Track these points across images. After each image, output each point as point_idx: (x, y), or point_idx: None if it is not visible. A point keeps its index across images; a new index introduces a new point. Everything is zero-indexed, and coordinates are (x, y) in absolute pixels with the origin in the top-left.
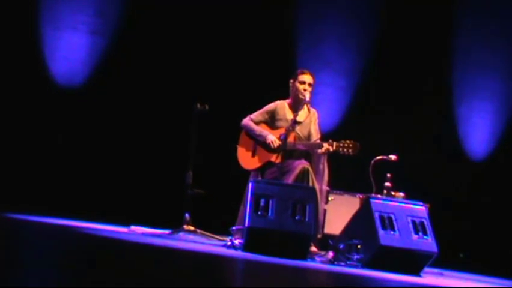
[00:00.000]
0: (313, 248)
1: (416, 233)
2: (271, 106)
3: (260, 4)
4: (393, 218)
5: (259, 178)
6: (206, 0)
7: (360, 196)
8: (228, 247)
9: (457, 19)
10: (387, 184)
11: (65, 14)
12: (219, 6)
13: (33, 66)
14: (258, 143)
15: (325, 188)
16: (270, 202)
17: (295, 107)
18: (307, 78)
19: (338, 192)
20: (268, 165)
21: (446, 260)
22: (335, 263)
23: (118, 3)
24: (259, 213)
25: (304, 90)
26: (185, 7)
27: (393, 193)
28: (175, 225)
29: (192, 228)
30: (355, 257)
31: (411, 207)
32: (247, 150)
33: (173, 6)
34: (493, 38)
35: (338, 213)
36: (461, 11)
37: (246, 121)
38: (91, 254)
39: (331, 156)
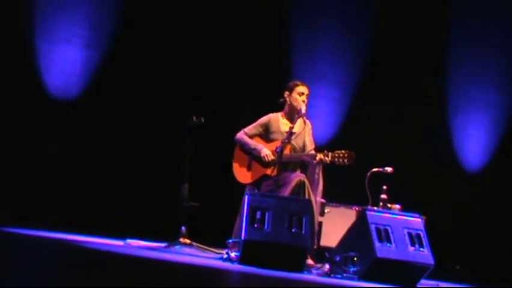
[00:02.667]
0: (310, 261)
1: (412, 245)
2: (264, 119)
3: (255, 17)
4: (390, 230)
5: (255, 191)
6: (200, 13)
7: (356, 208)
8: (224, 260)
9: (451, 30)
10: (383, 196)
11: (60, 28)
12: (214, 19)
13: (28, 80)
14: (253, 157)
15: (319, 199)
16: (266, 215)
17: (291, 119)
18: (305, 89)
19: (334, 204)
20: (264, 178)
21: (443, 272)
22: (332, 275)
23: (112, 17)
24: (255, 225)
25: (303, 101)
26: (180, 20)
27: (389, 205)
28: (171, 238)
29: (188, 241)
30: (351, 269)
31: (408, 219)
32: (243, 164)
33: (168, 20)
34: (488, 49)
35: (334, 225)
36: (456, 22)
37: (240, 135)
38: (87, 267)
39: (327, 168)
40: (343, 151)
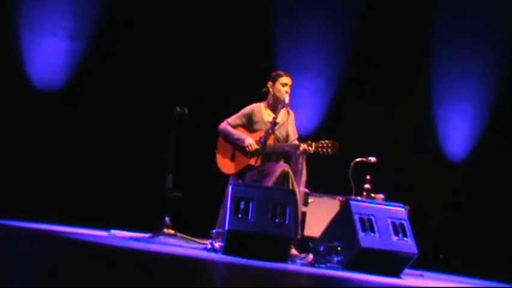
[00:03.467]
0: (294, 251)
1: (396, 234)
2: (247, 109)
3: (239, 8)
4: (373, 220)
5: (239, 181)
6: (185, 4)
7: (340, 198)
8: (208, 250)
9: (436, 21)
10: (367, 186)
11: (44, 19)
12: (198, 10)
13: (12, 71)
14: (237, 147)
15: (303, 189)
16: (250, 205)
17: (274, 109)
18: (288, 80)
19: (318, 194)
20: (248, 168)
21: (426, 262)
22: (316, 265)
23: (96, 8)
24: (239, 216)
25: (286, 92)
26: (165, 11)
27: (373, 195)
28: (155, 229)
29: (172, 231)
30: (335, 259)
31: (391, 209)
32: (226, 154)
33: (153, 11)
34: (472, 40)
35: (318, 215)
36: (440, 12)
37: (224, 125)
38: (71, 258)
39: (311, 158)
40: (327, 141)
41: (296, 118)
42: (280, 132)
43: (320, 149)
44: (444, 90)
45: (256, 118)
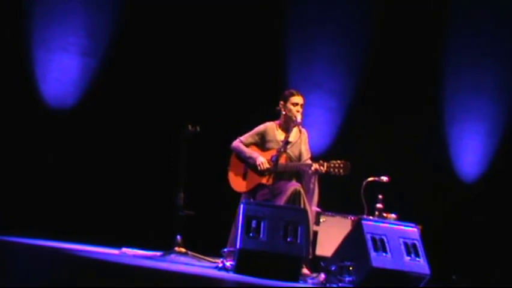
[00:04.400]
0: (305, 270)
1: (408, 254)
2: (260, 128)
3: (251, 26)
4: (385, 240)
5: (251, 200)
6: (197, 23)
7: (352, 218)
8: (220, 269)
9: (448, 40)
10: (379, 205)
11: (57, 36)
12: (210, 28)
13: (25, 88)
14: (249, 166)
15: (315, 208)
16: (262, 224)
17: (287, 128)
18: (299, 99)
19: (330, 213)
20: (259, 187)
21: (439, 282)
22: (327, 284)
23: (108, 25)
24: (250, 235)
25: (297, 111)
26: (177, 28)
27: (385, 214)
28: (167, 247)
29: (183, 250)
30: (347, 278)
31: (403, 229)
32: (239, 172)
33: (164, 29)
34: (484, 59)
35: (330, 234)
36: (452, 31)
37: (236, 143)
38: (83, 276)
39: (322, 178)
40: (339, 161)
41: (308, 137)
42: (292, 151)
43: (331, 169)
44: (456, 109)
45: (268, 137)
